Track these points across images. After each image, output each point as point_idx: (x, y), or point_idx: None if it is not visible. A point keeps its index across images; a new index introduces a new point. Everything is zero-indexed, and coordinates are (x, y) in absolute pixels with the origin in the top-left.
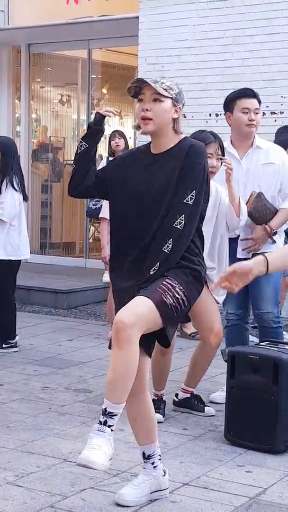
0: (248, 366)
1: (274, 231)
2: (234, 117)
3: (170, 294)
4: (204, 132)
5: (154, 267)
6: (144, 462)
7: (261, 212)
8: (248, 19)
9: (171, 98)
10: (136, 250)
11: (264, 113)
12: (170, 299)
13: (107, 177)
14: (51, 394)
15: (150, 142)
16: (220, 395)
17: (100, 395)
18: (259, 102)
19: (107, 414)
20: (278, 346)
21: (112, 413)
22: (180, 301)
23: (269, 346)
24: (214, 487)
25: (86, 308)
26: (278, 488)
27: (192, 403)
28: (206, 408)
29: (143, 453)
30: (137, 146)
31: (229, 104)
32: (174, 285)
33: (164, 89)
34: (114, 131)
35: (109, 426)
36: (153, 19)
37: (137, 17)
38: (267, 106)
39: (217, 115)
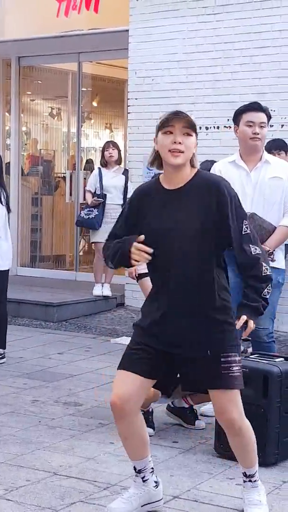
0: None
1: (270, 251)
2: (240, 130)
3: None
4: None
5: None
6: (135, 475)
7: (256, 233)
8: (237, 33)
9: (196, 133)
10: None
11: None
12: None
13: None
14: (41, 408)
15: (155, 179)
16: (210, 409)
17: (90, 408)
18: (268, 116)
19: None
20: (268, 359)
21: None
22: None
23: (259, 359)
24: (204, 500)
25: (77, 321)
26: (268, 500)
27: (185, 415)
28: (196, 421)
29: (134, 467)
30: (127, 159)
31: (237, 117)
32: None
33: (193, 125)
34: (108, 142)
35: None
36: (143, 32)
37: (127, 30)
38: None
39: (207, 128)
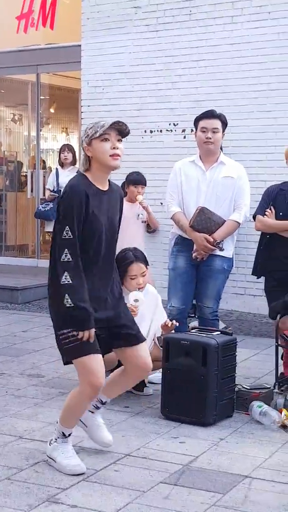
0: (181, 350)
1: (217, 241)
2: (196, 135)
3: None
4: (125, 253)
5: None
6: (65, 438)
7: (203, 224)
8: (177, 48)
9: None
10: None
11: (192, 130)
12: None
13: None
14: (8, 380)
15: (84, 179)
16: (157, 376)
17: (51, 379)
18: (223, 122)
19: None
20: (207, 333)
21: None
22: None
23: (199, 333)
24: (152, 457)
25: (39, 302)
26: (207, 456)
27: None
28: (145, 388)
29: (69, 434)
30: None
31: (195, 123)
32: None
33: (124, 133)
34: (64, 145)
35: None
36: (94, 47)
37: (80, 45)
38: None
39: (151, 131)
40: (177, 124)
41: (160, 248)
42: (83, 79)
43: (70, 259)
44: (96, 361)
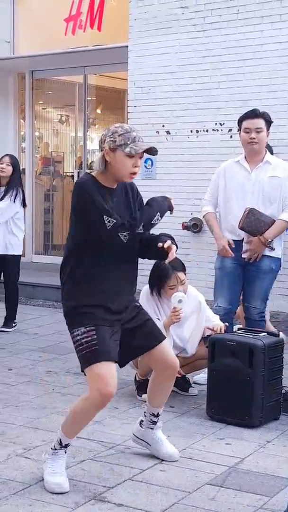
0: (227, 351)
1: (269, 241)
2: (240, 136)
3: None
4: (162, 266)
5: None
6: (62, 449)
7: (253, 226)
8: (223, 47)
9: None
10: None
11: (238, 130)
12: None
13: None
14: (54, 377)
15: (92, 178)
16: (202, 377)
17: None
18: (267, 120)
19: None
20: (253, 334)
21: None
22: None
23: (246, 334)
24: (197, 458)
25: None
26: (253, 458)
27: (179, 383)
28: (190, 388)
29: (66, 444)
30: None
31: (238, 124)
32: None
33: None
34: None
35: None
36: (141, 48)
37: (127, 46)
38: None
39: (197, 131)
40: (224, 123)
41: (205, 248)
42: (129, 79)
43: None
44: (110, 369)
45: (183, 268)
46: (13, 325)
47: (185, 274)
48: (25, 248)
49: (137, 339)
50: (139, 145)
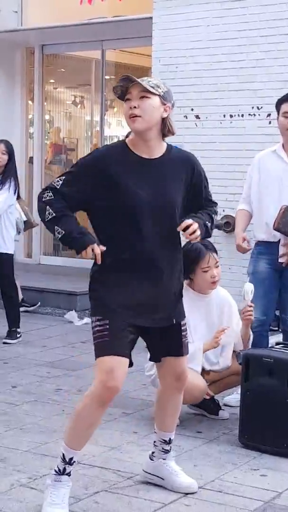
0: (263, 369)
1: None
2: (279, 120)
3: None
4: (196, 245)
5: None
6: (68, 466)
7: None
8: (263, 19)
9: (159, 95)
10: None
11: (277, 115)
12: None
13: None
14: (64, 396)
15: (122, 143)
16: (234, 398)
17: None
18: None
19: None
20: None
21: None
22: None
23: (284, 349)
24: (228, 491)
25: None
26: None
27: (207, 405)
28: (220, 411)
29: (70, 459)
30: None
31: (277, 107)
32: None
33: (151, 86)
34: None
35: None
36: (167, 20)
37: (151, 18)
38: None
39: (231, 116)
40: (261, 107)
41: None
42: (154, 56)
43: (52, 197)
44: (116, 362)
45: (215, 250)
46: (18, 335)
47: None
48: (32, 249)
49: (159, 345)
50: (119, 83)
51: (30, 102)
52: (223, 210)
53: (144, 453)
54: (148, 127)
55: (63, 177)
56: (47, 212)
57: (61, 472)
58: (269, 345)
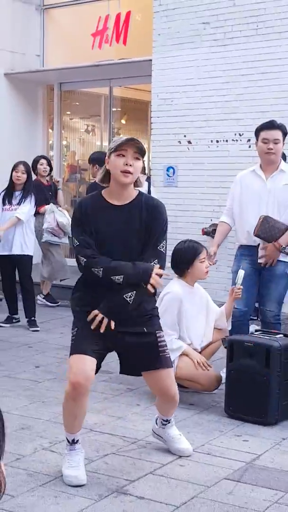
0: (244, 352)
1: (283, 246)
2: (258, 145)
3: None
4: (190, 243)
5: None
6: (71, 445)
7: (268, 232)
8: (243, 61)
9: (143, 159)
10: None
11: (256, 140)
12: None
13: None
14: None
15: (98, 194)
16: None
17: (119, 376)
18: (283, 132)
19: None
20: (270, 335)
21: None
22: None
23: (262, 335)
24: (215, 453)
25: None
26: (269, 454)
27: None
28: None
29: (73, 440)
30: (151, 168)
31: (256, 134)
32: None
33: (144, 151)
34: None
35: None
36: (164, 61)
37: (151, 60)
38: None
39: (217, 141)
40: (243, 134)
41: (224, 252)
42: (153, 91)
43: (85, 259)
44: (80, 360)
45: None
46: (36, 323)
47: None
48: None
49: (133, 358)
50: (122, 141)
51: (50, 130)
52: (211, 220)
53: (146, 422)
54: (132, 182)
55: (74, 239)
56: (95, 272)
57: (71, 443)
58: (250, 332)
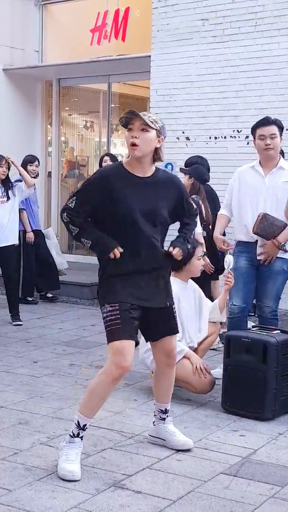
0: (242, 347)
1: (282, 243)
2: (255, 143)
3: None
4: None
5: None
6: (81, 431)
7: (267, 230)
8: (242, 58)
9: (156, 129)
10: (145, 255)
11: (253, 138)
12: None
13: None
14: (77, 370)
15: (119, 164)
16: (218, 371)
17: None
18: (279, 127)
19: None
20: (267, 331)
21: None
22: None
23: (259, 331)
24: (212, 448)
25: None
26: (266, 449)
27: None
28: None
29: (84, 425)
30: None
31: (252, 132)
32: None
33: (151, 121)
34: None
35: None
36: (163, 58)
37: (149, 56)
38: None
39: (216, 137)
40: (241, 131)
41: None
42: (152, 88)
43: (70, 216)
44: (128, 345)
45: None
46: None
47: None
48: None
49: (154, 327)
50: (127, 116)
51: (48, 126)
52: None
53: (143, 417)
54: (144, 154)
55: (74, 197)
56: (71, 229)
57: (75, 435)
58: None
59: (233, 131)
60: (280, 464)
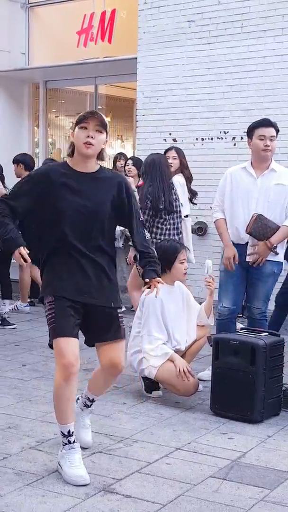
0: (230, 350)
1: (274, 245)
2: (253, 142)
3: None
4: (171, 242)
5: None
6: (69, 438)
7: (260, 231)
8: (228, 59)
9: (107, 133)
10: (84, 252)
11: (241, 138)
12: None
13: (33, 195)
14: None
15: (62, 163)
16: (207, 374)
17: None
18: (277, 130)
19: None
20: (255, 333)
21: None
22: None
23: (248, 333)
24: (202, 451)
25: None
26: (255, 452)
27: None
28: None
29: (68, 432)
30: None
31: (250, 132)
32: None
33: (105, 125)
34: (119, 153)
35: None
36: (149, 60)
37: (136, 58)
38: (244, 132)
39: (202, 139)
40: (228, 132)
41: (210, 250)
42: (138, 89)
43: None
44: (67, 343)
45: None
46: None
47: None
48: None
49: (96, 328)
50: (84, 114)
51: (35, 127)
52: (196, 217)
53: (132, 420)
54: (95, 154)
55: (11, 190)
56: None
57: (70, 442)
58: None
59: (220, 132)
60: (270, 467)
